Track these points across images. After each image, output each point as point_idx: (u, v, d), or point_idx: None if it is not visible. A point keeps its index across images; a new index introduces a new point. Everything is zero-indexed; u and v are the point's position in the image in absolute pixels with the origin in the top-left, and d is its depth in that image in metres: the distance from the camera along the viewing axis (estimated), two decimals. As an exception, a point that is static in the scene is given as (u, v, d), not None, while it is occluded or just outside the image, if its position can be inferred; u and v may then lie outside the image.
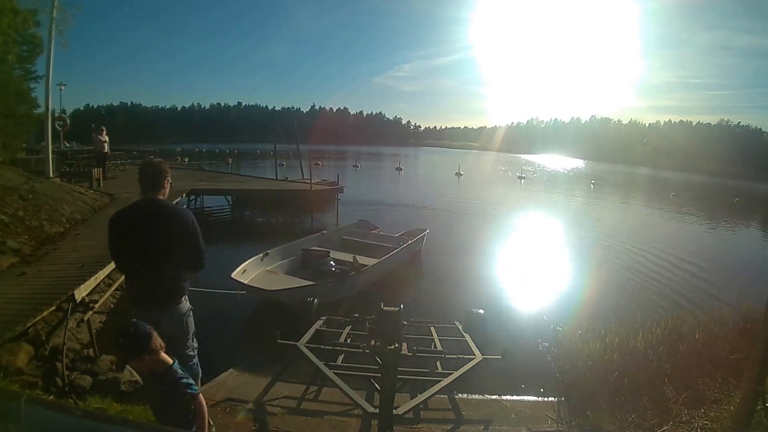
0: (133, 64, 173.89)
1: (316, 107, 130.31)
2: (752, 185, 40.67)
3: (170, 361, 1.91)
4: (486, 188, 25.71)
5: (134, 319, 1.91)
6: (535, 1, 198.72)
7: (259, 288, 5.89)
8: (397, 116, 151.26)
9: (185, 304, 2.62)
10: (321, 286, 6.07)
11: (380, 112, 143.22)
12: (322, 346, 3.88)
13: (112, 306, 5.69)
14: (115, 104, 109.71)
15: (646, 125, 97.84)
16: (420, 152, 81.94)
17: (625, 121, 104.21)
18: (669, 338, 4.46)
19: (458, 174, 31.57)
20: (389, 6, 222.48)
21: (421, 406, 3.33)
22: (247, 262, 6.55)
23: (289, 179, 17.78)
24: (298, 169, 18.73)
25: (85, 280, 4.71)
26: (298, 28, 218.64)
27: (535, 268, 9.15)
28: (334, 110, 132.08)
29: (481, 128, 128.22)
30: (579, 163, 60.95)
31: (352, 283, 6.61)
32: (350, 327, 4.71)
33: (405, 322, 4.03)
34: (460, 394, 3.77)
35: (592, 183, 31.38)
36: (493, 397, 3.93)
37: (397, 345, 3.02)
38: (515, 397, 3.96)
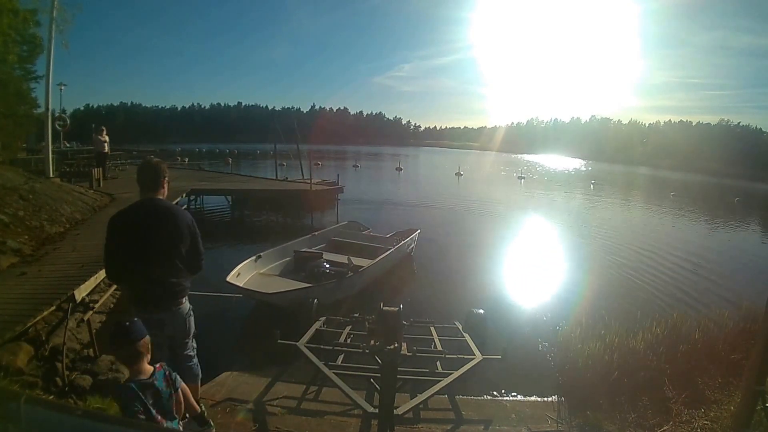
0: (133, 64, 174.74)
1: (316, 107, 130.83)
2: (752, 185, 40.65)
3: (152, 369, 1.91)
4: (486, 188, 25.69)
5: (136, 319, 1.93)
6: (535, 2, 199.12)
7: (255, 291, 5.88)
8: (397, 116, 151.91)
9: (186, 304, 2.63)
10: (317, 288, 6.05)
11: (380, 112, 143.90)
12: (322, 346, 3.88)
13: (112, 306, 5.70)
14: (115, 104, 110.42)
15: (646, 125, 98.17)
16: (420, 152, 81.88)
17: (624, 121, 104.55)
18: (669, 338, 4.46)
19: (458, 174, 31.57)
20: (389, 6, 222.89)
21: (421, 406, 3.32)
22: (240, 265, 6.53)
23: (289, 179, 17.78)
24: (298, 169, 18.71)
25: (85, 280, 4.71)
26: (298, 28, 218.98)
27: (535, 267, 9.16)
28: (334, 110, 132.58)
29: (481, 128, 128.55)
30: (579, 163, 60.89)
31: (350, 285, 6.60)
32: (350, 327, 4.71)
33: (405, 322, 4.02)
34: (460, 394, 3.76)
35: (592, 183, 31.40)
36: (493, 397, 3.94)
37: (396, 345, 3.01)
38: (515, 397, 3.97)
